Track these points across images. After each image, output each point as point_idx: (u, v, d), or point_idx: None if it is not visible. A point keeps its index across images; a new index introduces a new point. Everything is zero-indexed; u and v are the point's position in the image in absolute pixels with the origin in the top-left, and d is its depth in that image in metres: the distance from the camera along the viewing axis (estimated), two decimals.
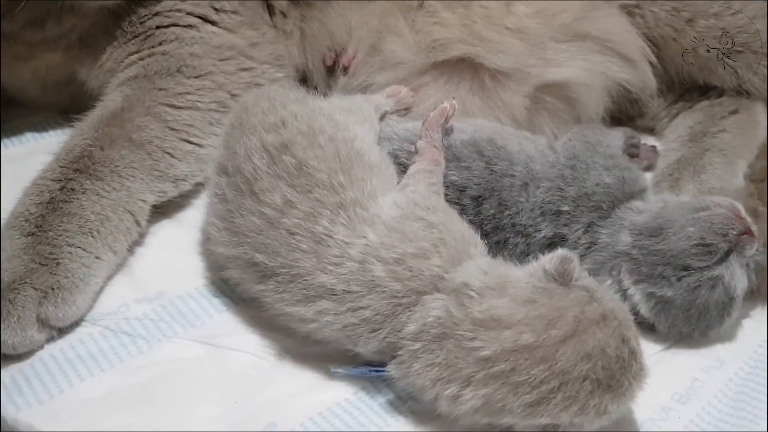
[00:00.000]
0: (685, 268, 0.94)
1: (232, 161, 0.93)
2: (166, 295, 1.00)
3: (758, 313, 1.04)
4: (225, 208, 0.91)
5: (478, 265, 0.83)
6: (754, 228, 0.96)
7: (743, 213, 0.97)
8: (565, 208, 0.99)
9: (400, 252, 0.83)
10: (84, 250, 0.98)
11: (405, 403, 0.87)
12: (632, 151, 1.18)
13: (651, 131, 1.34)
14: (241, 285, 0.91)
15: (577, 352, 0.75)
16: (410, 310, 0.81)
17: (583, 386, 0.75)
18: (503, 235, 0.99)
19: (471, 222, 0.98)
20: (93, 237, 0.99)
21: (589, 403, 0.75)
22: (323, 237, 0.84)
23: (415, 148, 0.99)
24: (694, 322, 0.95)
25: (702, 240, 0.94)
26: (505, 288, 0.79)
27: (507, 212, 0.99)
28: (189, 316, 0.97)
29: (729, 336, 1.00)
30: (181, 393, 0.88)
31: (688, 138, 1.23)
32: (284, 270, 0.85)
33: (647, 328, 0.96)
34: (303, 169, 0.88)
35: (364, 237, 0.84)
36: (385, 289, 0.82)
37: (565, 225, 0.99)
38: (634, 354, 0.78)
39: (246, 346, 0.93)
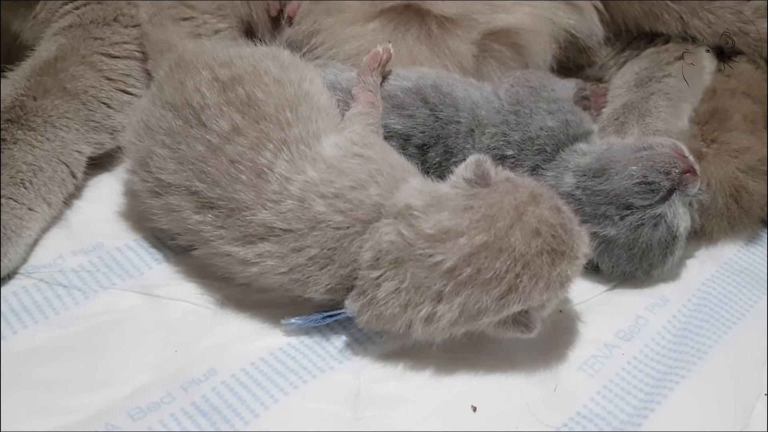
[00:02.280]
0: (628, 207, 0.94)
1: (179, 94, 0.90)
2: (104, 247, 0.97)
3: (702, 253, 1.05)
4: (171, 139, 0.88)
5: (413, 186, 0.84)
6: (697, 167, 0.96)
7: (686, 152, 0.97)
8: (510, 152, 0.99)
9: (339, 186, 0.83)
10: (16, 201, 0.95)
11: (361, 344, 0.86)
12: (584, 104, 1.16)
13: (600, 80, 1.33)
14: (180, 219, 0.88)
15: (525, 233, 0.79)
16: (359, 240, 0.82)
17: (543, 260, 0.79)
18: None
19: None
20: (25, 188, 0.96)
21: (552, 274, 0.79)
22: (264, 170, 0.83)
23: (351, 94, 0.98)
24: (638, 261, 0.95)
25: (644, 178, 0.94)
26: (441, 202, 0.81)
27: (453, 159, 0.98)
28: (127, 267, 0.95)
29: (673, 275, 1.01)
30: (119, 342, 0.86)
31: (634, 83, 1.23)
32: (222, 203, 0.84)
33: (591, 269, 0.97)
34: (252, 99, 0.88)
35: (303, 173, 0.83)
36: (329, 222, 0.82)
37: (511, 169, 0.98)
38: (570, 219, 0.82)
39: (185, 296, 0.91)
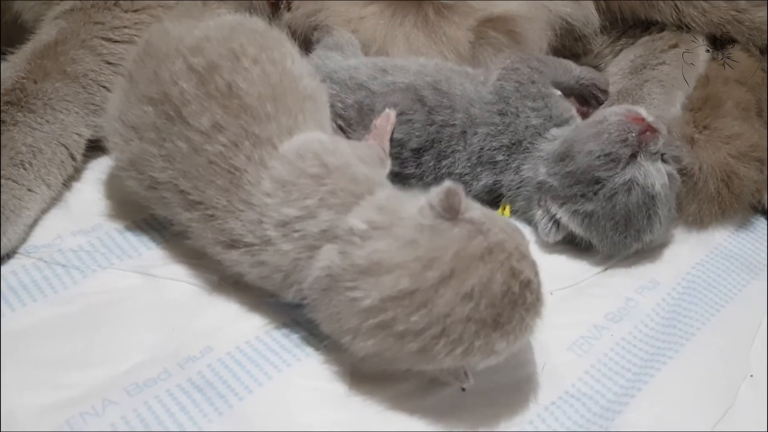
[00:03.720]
0: (597, 181, 0.95)
1: (156, 86, 0.87)
2: (103, 228, 0.98)
3: (693, 238, 1.07)
4: (157, 135, 0.87)
5: (376, 200, 0.77)
6: (657, 125, 0.97)
7: (642, 113, 0.98)
8: (500, 158, 1.01)
9: (286, 214, 0.78)
10: (15, 182, 0.96)
11: (322, 341, 0.86)
12: (585, 91, 1.14)
13: (596, 68, 1.34)
14: (173, 213, 0.88)
15: (456, 293, 0.70)
16: (309, 263, 0.78)
17: (466, 328, 0.70)
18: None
19: (412, 175, 0.99)
20: (25, 169, 0.97)
21: (474, 344, 0.70)
22: (237, 174, 0.81)
23: (348, 86, 0.99)
24: (624, 228, 0.96)
25: (602, 151, 0.95)
26: (392, 227, 0.73)
27: (444, 162, 1.00)
28: (125, 247, 0.96)
29: (663, 259, 1.02)
30: (117, 321, 0.87)
31: (629, 71, 1.25)
32: (202, 206, 0.83)
33: (585, 250, 0.98)
34: (233, 90, 0.83)
35: (261, 183, 0.80)
36: (279, 248, 0.79)
37: (501, 172, 1.01)
38: (527, 285, 0.72)
39: (182, 276, 0.92)
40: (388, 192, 0.80)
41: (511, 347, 0.73)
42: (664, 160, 0.98)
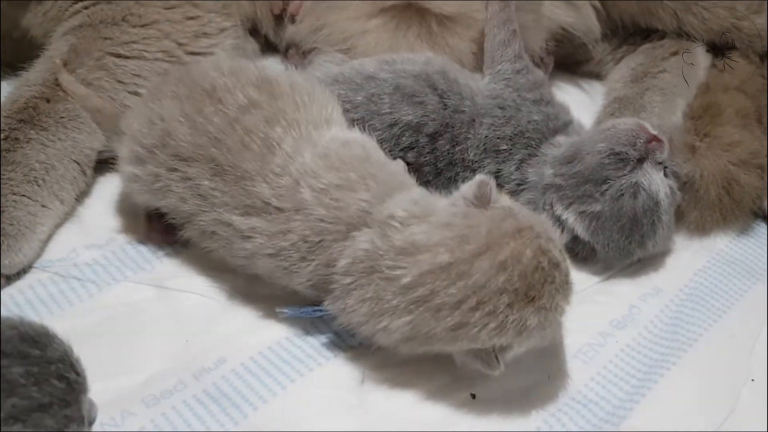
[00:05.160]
0: (605, 181, 0.97)
1: (187, 80, 0.93)
2: (116, 242, 1.00)
3: (695, 244, 1.08)
4: (186, 118, 0.89)
5: (411, 195, 0.83)
6: (661, 137, 1.00)
7: (648, 127, 1.01)
8: (504, 147, 1.03)
9: (326, 182, 0.82)
10: (29, 198, 0.98)
11: (344, 341, 0.89)
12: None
13: (597, 75, 1.37)
14: (192, 188, 0.88)
15: (491, 265, 0.74)
16: (340, 244, 0.81)
17: (500, 299, 0.74)
18: (455, 171, 1.01)
19: (426, 162, 1.00)
20: (38, 185, 0.99)
21: (508, 318, 0.74)
22: (273, 144, 0.85)
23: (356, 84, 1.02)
24: (628, 232, 0.98)
25: (612, 150, 0.98)
26: (428, 216, 0.79)
27: (458, 147, 1.02)
28: (138, 260, 0.98)
29: (666, 266, 1.04)
30: (132, 333, 0.89)
31: (630, 79, 1.26)
32: (231, 168, 0.85)
33: (584, 260, 1.00)
34: (269, 81, 0.90)
35: (302, 156, 0.84)
36: (312, 212, 0.81)
37: (503, 162, 1.02)
38: (556, 266, 0.77)
39: (195, 288, 0.94)
40: (419, 190, 0.85)
41: (541, 326, 0.76)
42: (665, 174, 1.00)
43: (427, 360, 0.88)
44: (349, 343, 0.89)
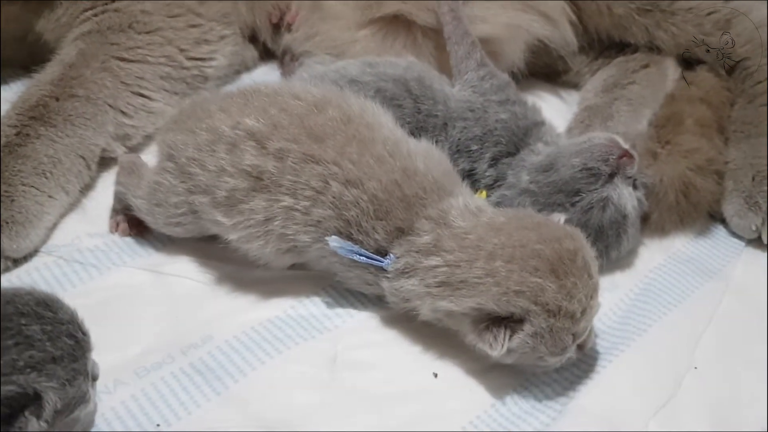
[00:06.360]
0: (576, 193, 1.04)
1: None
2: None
3: (653, 244, 1.15)
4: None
5: (462, 199, 0.94)
6: (632, 152, 1.06)
7: (621, 142, 1.07)
8: (474, 147, 1.10)
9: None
10: (37, 189, 1.06)
11: (340, 317, 0.96)
12: None
13: (576, 86, 1.44)
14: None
15: (536, 235, 0.87)
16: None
17: (530, 261, 0.84)
18: None
19: None
20: (46, 178, 1.08)
21: (530, 279, 0.84)
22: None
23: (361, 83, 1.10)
24: (593, 242, 1.02)
25: (585, 165, 1.04)
26: (481, 214, 0.92)
27: None
28: (136, 248, 1.06)
29: (625, 264, 1.11)
30: (128, 312, 0.98)
31: (602, 89, 1.34)
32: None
33: None
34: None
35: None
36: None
37: (476, 161, 1.10)
38: (588, 268, 0.87)
39: (187, 273, 1.02)
40: (465, 196, 0.96)
41: (556, 309, 0.84)
42: (635, 186, 1.07)
43: (395, 344, 0.96)
44: (342, 317, 0.97)
